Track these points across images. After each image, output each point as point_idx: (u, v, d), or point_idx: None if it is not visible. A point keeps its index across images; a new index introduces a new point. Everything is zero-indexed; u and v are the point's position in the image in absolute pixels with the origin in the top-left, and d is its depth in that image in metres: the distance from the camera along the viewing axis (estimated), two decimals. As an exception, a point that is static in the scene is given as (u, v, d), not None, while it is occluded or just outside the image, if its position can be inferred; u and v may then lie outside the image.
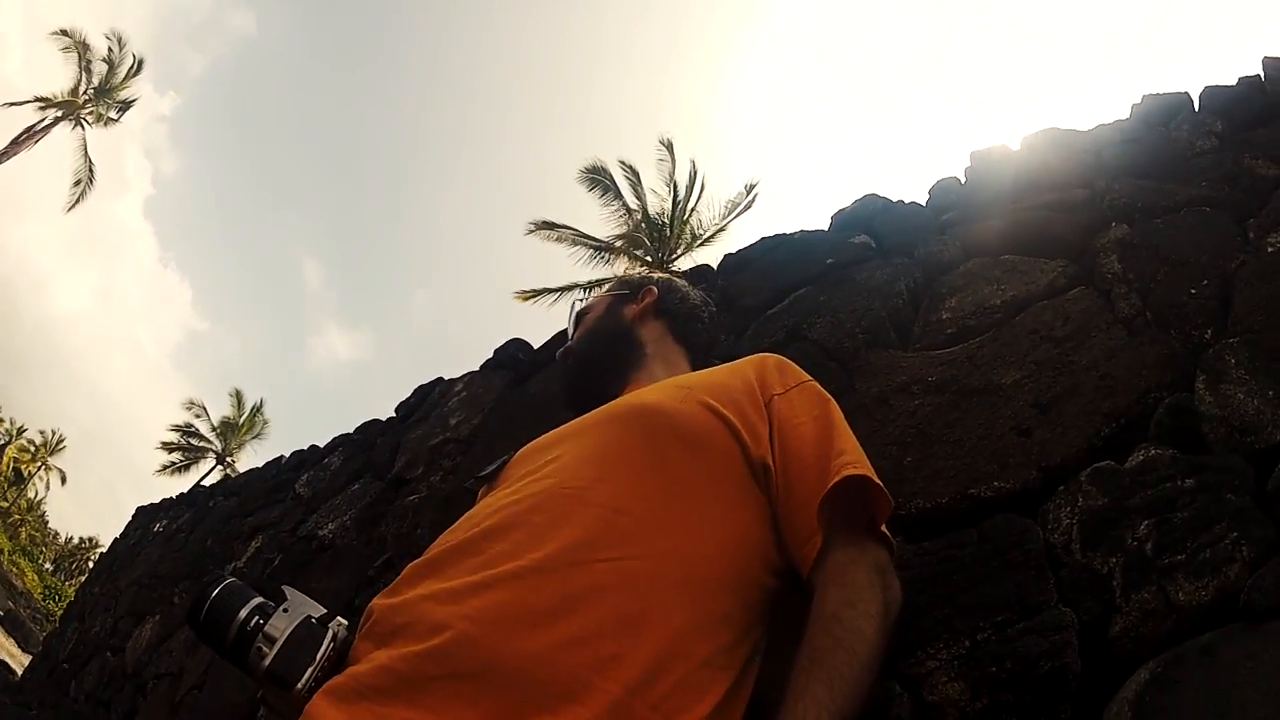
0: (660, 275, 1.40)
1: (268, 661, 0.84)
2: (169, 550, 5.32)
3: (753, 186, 15.37)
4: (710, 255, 15.30)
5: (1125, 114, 1.96)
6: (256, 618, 0.87)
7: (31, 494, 40.35)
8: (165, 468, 26.68)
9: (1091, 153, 1.88)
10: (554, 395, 2.45)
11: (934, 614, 1.16)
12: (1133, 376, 1.31)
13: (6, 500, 36.83)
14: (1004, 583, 1.16)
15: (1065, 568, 1.16)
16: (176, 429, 27.19)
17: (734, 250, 2.34)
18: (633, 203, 15.35)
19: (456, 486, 2.59)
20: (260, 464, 5.15)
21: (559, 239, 15.28)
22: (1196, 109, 1.87)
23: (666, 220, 15.26)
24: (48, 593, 27.23)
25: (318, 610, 0.91)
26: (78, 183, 22.09)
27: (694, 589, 0.84)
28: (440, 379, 3.36)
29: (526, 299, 15.03)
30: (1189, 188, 1.62)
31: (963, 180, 2.08)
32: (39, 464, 40.31)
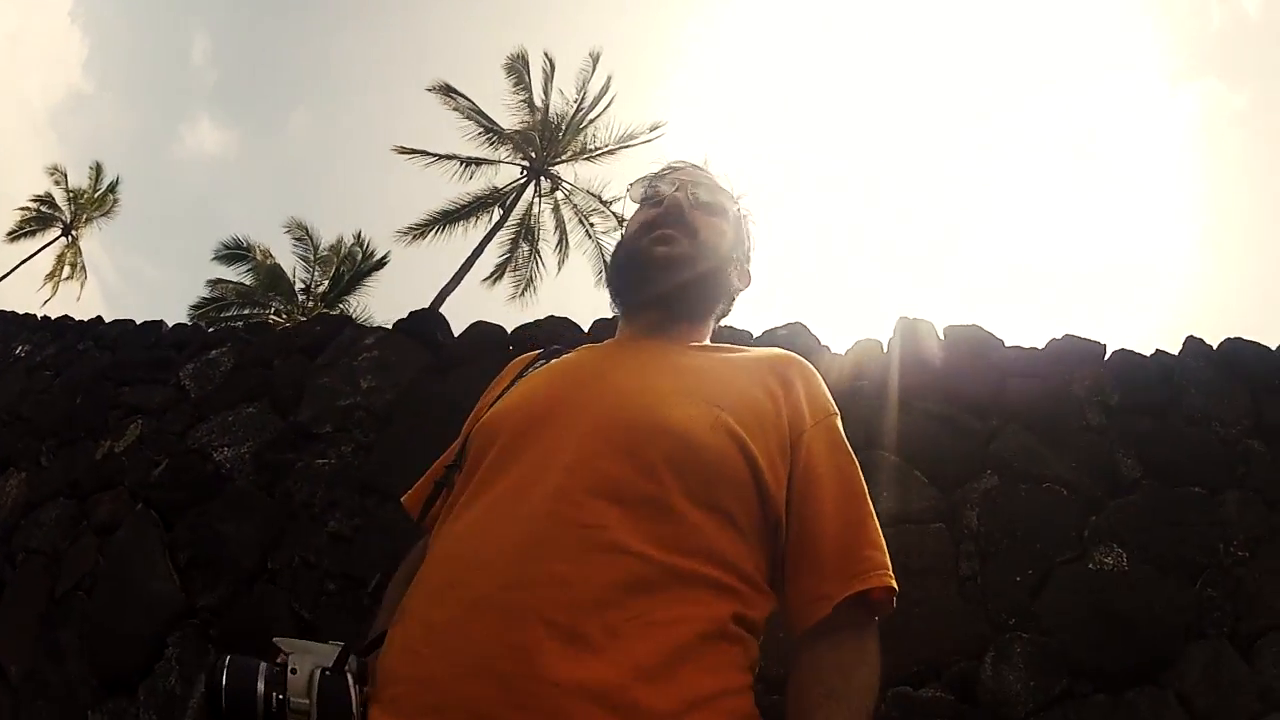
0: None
1: None
2: (32, 388, 5.04)
3: (657, 126, 15.47)
4: (594, 172, 15.75)
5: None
6: (274, 692, 0.84)
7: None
8: (11, 233, 26.12)
9: (999, 371, 2.23)
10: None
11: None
12: (948, 637, 1.81)
13: None
14: None
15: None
16: (36, 199, 26.27)
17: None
18: (539, 99, 15.29)
19: (374, 471, 2.76)
20: (133, 322, 5.08)
21: (455, 108, 15.21)
22: (1106, 359, 2.20)
23: (565, 125, 15.24)
24: None
25: (325, 657, 0.89)
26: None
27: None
28: (348, 320, 3.51)
29: (404, 154, 15.27)
30: (1062, 461, 2.02)
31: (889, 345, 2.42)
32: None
